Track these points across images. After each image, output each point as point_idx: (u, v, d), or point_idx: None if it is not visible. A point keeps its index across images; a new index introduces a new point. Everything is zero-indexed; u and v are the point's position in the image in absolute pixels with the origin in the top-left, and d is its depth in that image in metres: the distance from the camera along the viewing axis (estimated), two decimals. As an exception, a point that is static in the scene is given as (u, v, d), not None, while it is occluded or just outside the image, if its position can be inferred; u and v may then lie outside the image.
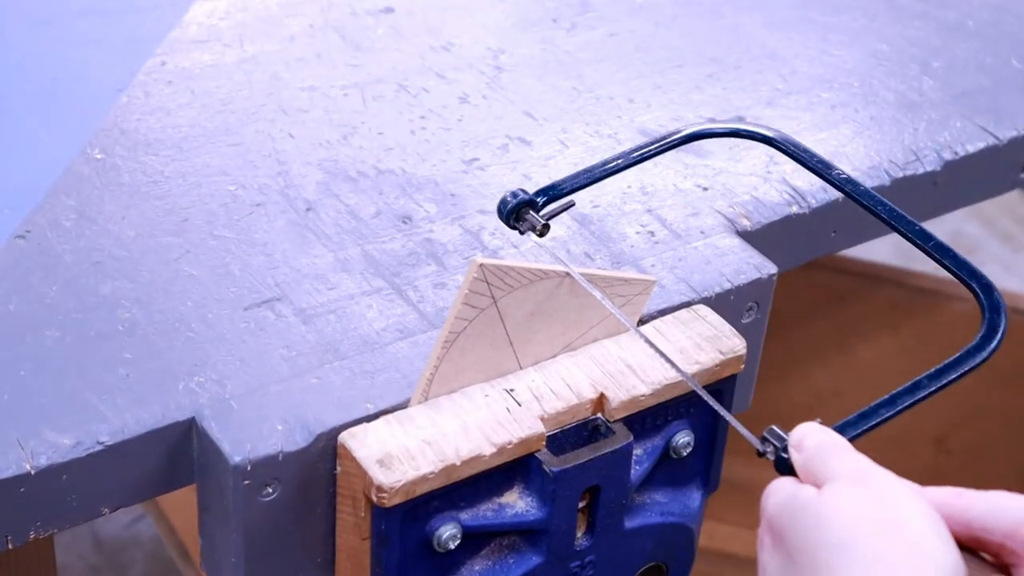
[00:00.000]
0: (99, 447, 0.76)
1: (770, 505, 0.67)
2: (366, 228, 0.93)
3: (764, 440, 0.71)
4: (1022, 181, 1.12)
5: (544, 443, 0.79)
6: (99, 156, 0.97)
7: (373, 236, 0.92)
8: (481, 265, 0.76)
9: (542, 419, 0.79)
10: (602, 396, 0.81)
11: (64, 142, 0.98)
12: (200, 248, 0.90)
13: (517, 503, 0.80)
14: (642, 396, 0.81)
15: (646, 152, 0.88)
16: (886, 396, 0.73)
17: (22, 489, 0.74)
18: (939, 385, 0.73)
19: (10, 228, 0.90)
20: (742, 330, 0.87)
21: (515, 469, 0.79)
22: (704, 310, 0.87)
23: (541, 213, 0.82)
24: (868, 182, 1.02)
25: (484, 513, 0.79)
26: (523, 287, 0.78)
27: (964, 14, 1.24)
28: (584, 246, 0.93)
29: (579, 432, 0.81)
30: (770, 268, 0.91)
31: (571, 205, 0.83)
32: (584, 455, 0.79)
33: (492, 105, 1.07)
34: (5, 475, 0.74)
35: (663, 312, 0.87)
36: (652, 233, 0.94)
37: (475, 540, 0.80)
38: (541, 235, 0.81)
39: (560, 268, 0.79)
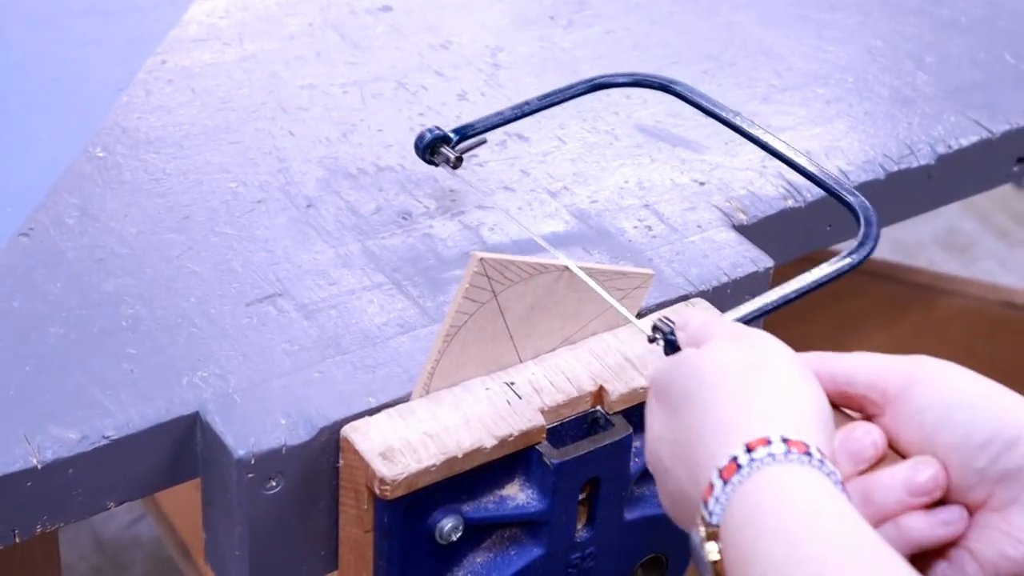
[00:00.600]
0: (104, 441, 0.77)
1: (655, 371, 0.71)
2: (366, 224, 0.94)
3: (655, 329, 0.77)
4: (1015, 174, 1.13)
5: (544, 435, 0.80)
6: (101, 154, 0.98)
7: (373, 232, 0.93)
8: (482, 259, 0.76)
9: (542, 412, 0.80)
10: (601, 389, 0.82)
11: (66, 141, 0.99)
12: (202, 245, 0.91)
13: (518, 495, 0.81)
14: (641, 388, 0.82)
15: (553, 99, 0.99)
16: (771, 290, 0.82)
17: (29, 483, 0.75)
18: (816, 281, 0.83)
19: (13, 226, 0.90)
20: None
21: (516, 461, 0.80)
22: (702, 303, 0.88)
23: (455, 148, 0.93)
24: (863, 176, 1.03)
25: (485, 505, 0.80)
26: (523, 281, 0.79)
27: (957, 10, 1.25)
28: (582, 241, 0.94)
29: (579, 424, 0.82)
30: (766, 262, 0.92)
31: (483, 142, 0.94)
32: (584, 447, 0.80)
33: (490, 102, 1.07)
34: (12, 469, 0.74)
35: (661, 305, 0.88)
36: (649, 228, 0.95)
37: (477, 532, 0.80)
38: (455, 167, 0.92)
39: (559, 262, 0.80)
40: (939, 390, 0.67)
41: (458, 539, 0.79)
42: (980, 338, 1.73)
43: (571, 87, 1.00)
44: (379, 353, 0.83)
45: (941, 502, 0.65)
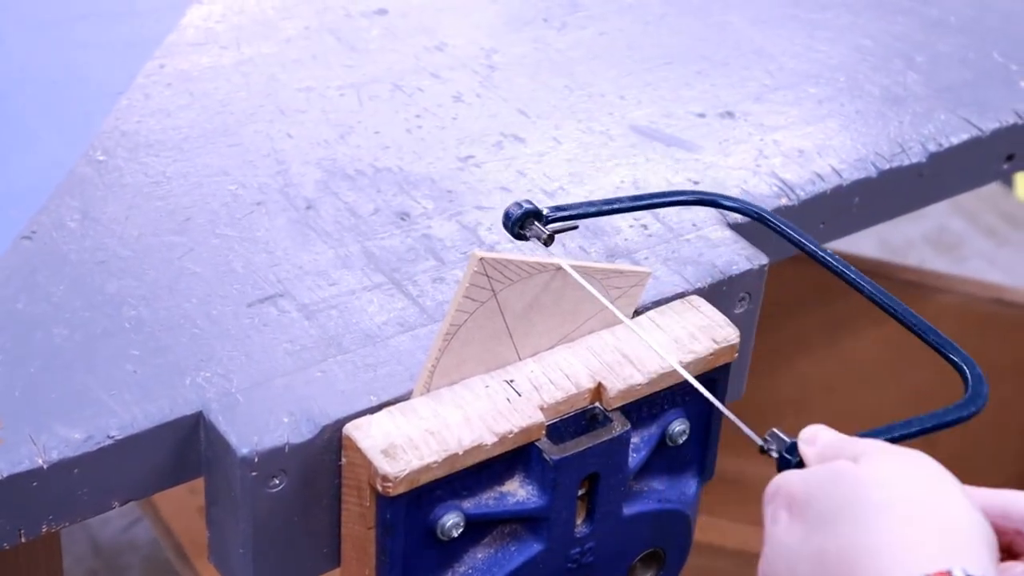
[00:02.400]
0: (109, 441, 0.77)
1: (794, 481, 0.67)
2: (365, 225, 0.94)
3: (766, 440, 0.74)
4: (1005, 172, 1.14)
5: (544, 432, 0.81)
6: (101, 158, 0.99)
7: (372, 233, 0.94)
8: (481, 259, 0.77)
9: (542, 409, 0.81)
10: (600, 386, 0.83)
11: (66, 144, 1.00)
12: (203, 247, 0.91)
13: (518, 491, 0.81)
14: (639, 385, 0.83)
15: (652, 202, 0.94)
16: (895, 423, 0.76)
17: (34, 483, 0.76)
18: (929, 427, 0.77)
19: (16, 229, 0.91)
20: (735, 320, 0.89)
21: (516, 458, 0.81)
22: (698, 301, 0.89)
23: (547, 226, 0.87)
24: (856, 174, 1.04)
25: (486, 501, 0.81)
26: (522, 280, 0.80)
27: (947, 10, 1.26)
28: (579, 240, 0.95)
29: (578, 421, 0.83)
30: (761, 259, 0.93)
31: (575, 227, 0.89)
32: (583, 443, 0.81)
33: (486, 103, 1.08)
34: (18, 470, 0.75)
35: (658, 303, 0.89)
36: (645, 227, 0.96)
37: (478, 528, 0.81)
38: (547, 244, 0.87)
39: (557, 261, 0.81)
40: None
41: (459, 535, 0.80)
42: (970, 335, 1.74)
43: (671, 194, 0.96)
44: (380, 352, 0.84)
45: None
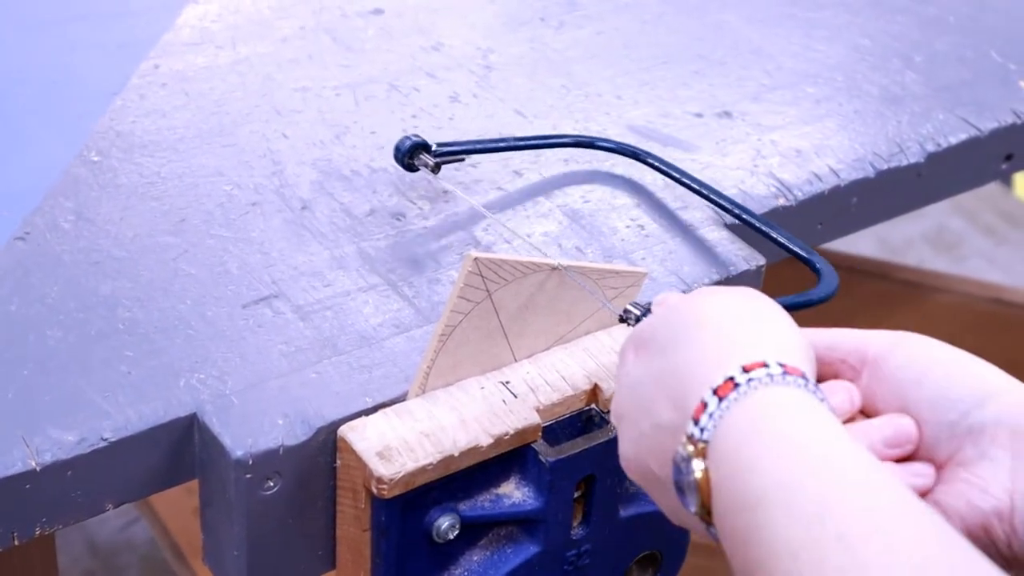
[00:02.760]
0: (103, 443, 0.77)
1: (641, 327, 0.71)
2: (360, 226, 0.94)
3: (627, 312, 0.78)
4: (1003, 172, 1.14)
5: (540, 434, 0.80)
6: (96, 158, 0.99)
7: (368, 233, 0.93)
8: (476, 259, 0.77)
9: (537, 410, 0.80)
10: (596, 387, 0.83)
11: (61, 145, 0.99)
12: (198, 247, 0.91)
13: (514, 493, 0.81)
14: (635, 386, 0.83)
15: (535, 143, 1.02)
16: None
17: (27, 486, 0.75)
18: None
19: (10, 230, 0.91)
20: (732, 321, 0.88)
21: (512, 460, 0.80)
22: (694, 301, 0.88)
23: (436, 158, 0.96)
24: (854, 174, 1.04)
25: (482, 504, 0.81)
26: (517, 280, 0.80)
27: (944, 9, 1.26)
28: (575, 240, 0.94)
29: (574, 423, 0.82)
30: (758, 259, 0.93)
31: (461, 160, 0.98)
32: (579, 445, 0.81)
33: (482, 104, 1.08)
34: (11, 472, 0.75)
35: (654, 304, 0.88)
36: (642, 227, 0.96)
37: (473, 530, 0.81)
38: (434, 172, 0.96)
39: (553, 261, 0.81)
40: (918, 350, 0.69)
41: (455, 537, 0.80)
42: (969, 334, 1.74)
43: (553, 137, 1.03)
44: (375, 353, 0.83)
45: (910, 459, 0.68)
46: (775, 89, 1.12)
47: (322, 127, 1.04)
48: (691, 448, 0.62)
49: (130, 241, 0.91)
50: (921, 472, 0.67)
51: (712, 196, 0.96)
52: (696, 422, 0.62)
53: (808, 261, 0.90)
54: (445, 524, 0.79)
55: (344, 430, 0.78)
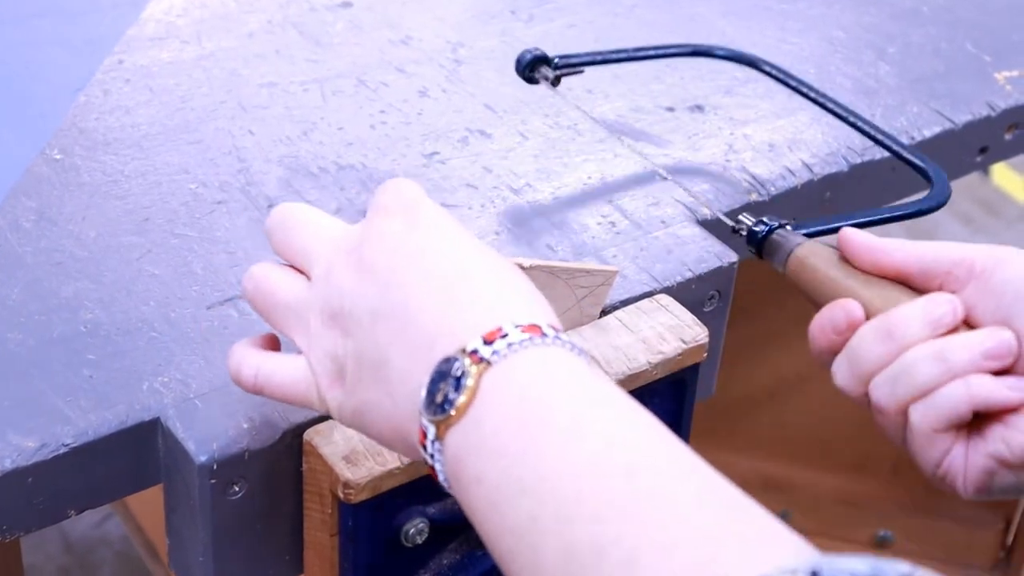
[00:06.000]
0: (64, 449, 0.76)
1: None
2: (328, 224, 0.93)
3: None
4: (979, 164, 1.13)
5: (509, 435, 0.79)
6: (58, 156, 0.97)
7: (335, 232, 0.92)
8: (443, 260, 0.76)
9: (507, 412, 0.79)
10: (566, 387, 0.81)
11: (22, 143, 0.98)
12: (162, 247, 0.90)
13: (484, 496, 0.80)
14: (606, 387, 0.81)
15: (654, 53, 1.06)
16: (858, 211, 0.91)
17: (-13, 493, 0.74)
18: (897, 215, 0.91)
19: (-30, 231, 0.89)
20: (704, 319, 0.88)
21: (481, 462, 0.79)
22: (666, 299, 0.88)
23: (555, 71, 0.99)
24: (827, 168, 1.03)
25: (451, 507, 0.79)
26: (485, 281, 0.78)
27: (918, 0, 1.25)
28: (546, 237, 0.93)
29: (544, 424, 0.81)
30: (731, 256, 0.92)
31: (581, 72, 1.01)
32: (549, 446, 0.79)
33: (452, 98, 1.07)
34: (-30, 479, 0.74)
35: (625, 302, 0.87)
36: (613, 224, 0.95)
37: (443, 534, 0.80)
38: (554, 85, 0.99)
39: (523, 260, 0.80)
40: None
41: (424, 541, 0.79)
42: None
43: (671, 47, 1.08)
44: (342, 355, 0.82)
45: (1008, 373, 0.71)
46: (748, 82, 1.11)
47: (289, 123, 1.02)
48: (468, 360, 0.61)
49: (93, 241, 0.90)
50: (1017, 386, 0.70)
51: (821, 100, 0.99)
52: (489, 343, 0.61)
53: (921, 169, 0.94)
54: (414, 528, 0.78)
55: (310, 434, 0.77)
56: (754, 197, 0.99)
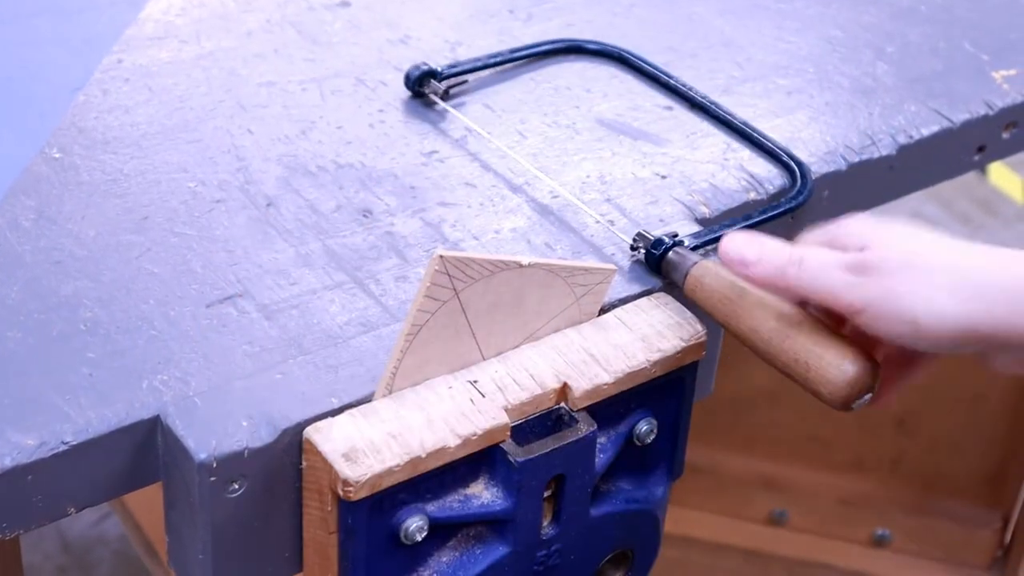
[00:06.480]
0: (64, 447, 0.76)
1: None
2: (327, 222, 0.93)
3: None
4: (976, 163, 1.13)
5: (508, 434, 0.79)
6: (57, 155, 0.97)
7: (334, 230, 0.92)
8: (442, 257, 0.76)
9: (506, 410, 0.80)
10: (565, 385, 0.82)
11: (22, 142, 0.98)
12: (161, 246, 0.90)
13: (483, 494, 0.80)
14: (604, 385, 0.82)
15: (528, 52, 1.11)
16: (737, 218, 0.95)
17: (-13, 491, 0.74)
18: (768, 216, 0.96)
19: (-31, 229, 0.89)
20: (703, 316, 0.88)
21: (480, 460, 0.79)
22: (665, 298, 0.88)
23: (443, 82, 1.04)
24: (825, 167, 1.03)
25: (450, 504, 0.80)
26: (484, 278, 0.79)
27: (917, -1, 1.25)
28: (544, 236, 0.93)
29: (543, 422, 0.82)
30: (729, 255, 0.92)
31: (465, 82, 1.05)
32: (548, 445, 0.80)
33: (450, 97, 1.07)
34: (-30, 477, 0.74)
35: (624, 301, 0.88)
36: (612, 222, 0.95)
37: (442, 531, 0.80)
38: (444, 99, 1.02)
39: (522, 258, 0.80)
40: None
41: (423, 539, 0.79)
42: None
43: (544, 43, 1.12)
44: (341, 353, 0.82)
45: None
46: (746, 81, 1.12)
47: (287, 122, 1.03)
48: None
49: (92, 240, 0.90)
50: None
51: (691, 95, 1.06)
52: None
53: (787, 165, 1.00)
54: (413, 525, 0.78)
55: (310, 431, 0.77)
56: (752, 196, 0.99)
